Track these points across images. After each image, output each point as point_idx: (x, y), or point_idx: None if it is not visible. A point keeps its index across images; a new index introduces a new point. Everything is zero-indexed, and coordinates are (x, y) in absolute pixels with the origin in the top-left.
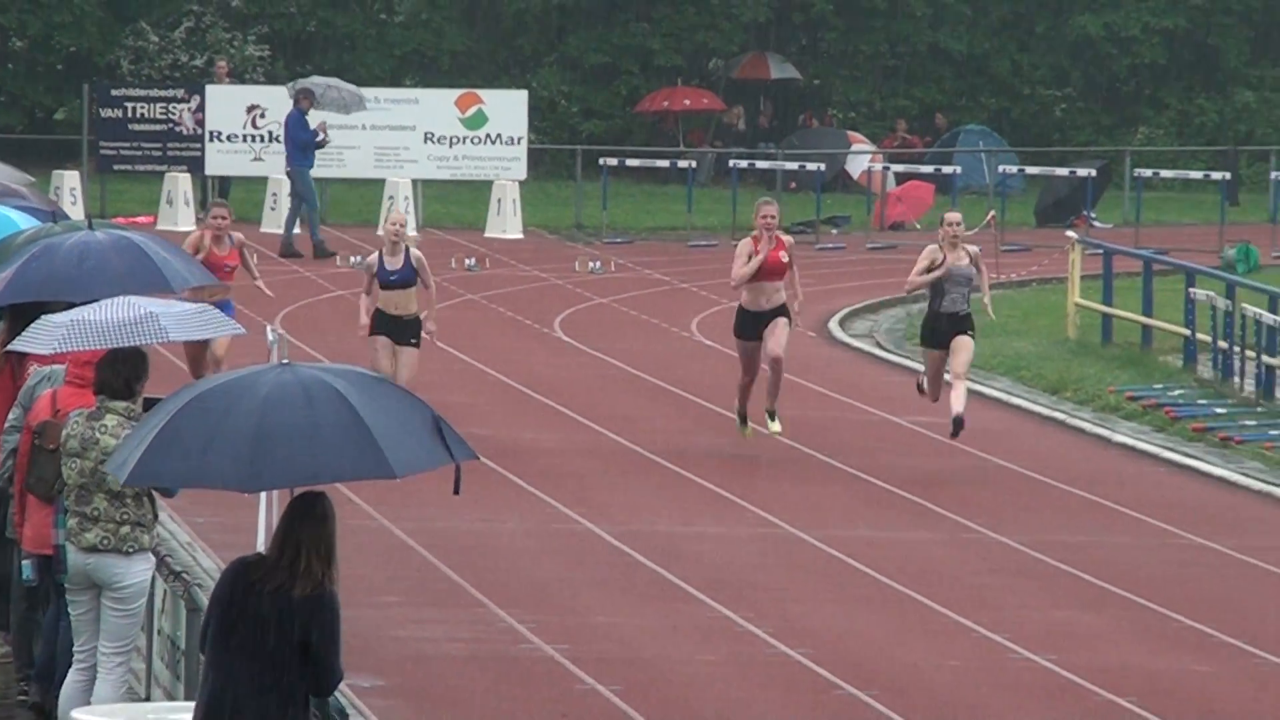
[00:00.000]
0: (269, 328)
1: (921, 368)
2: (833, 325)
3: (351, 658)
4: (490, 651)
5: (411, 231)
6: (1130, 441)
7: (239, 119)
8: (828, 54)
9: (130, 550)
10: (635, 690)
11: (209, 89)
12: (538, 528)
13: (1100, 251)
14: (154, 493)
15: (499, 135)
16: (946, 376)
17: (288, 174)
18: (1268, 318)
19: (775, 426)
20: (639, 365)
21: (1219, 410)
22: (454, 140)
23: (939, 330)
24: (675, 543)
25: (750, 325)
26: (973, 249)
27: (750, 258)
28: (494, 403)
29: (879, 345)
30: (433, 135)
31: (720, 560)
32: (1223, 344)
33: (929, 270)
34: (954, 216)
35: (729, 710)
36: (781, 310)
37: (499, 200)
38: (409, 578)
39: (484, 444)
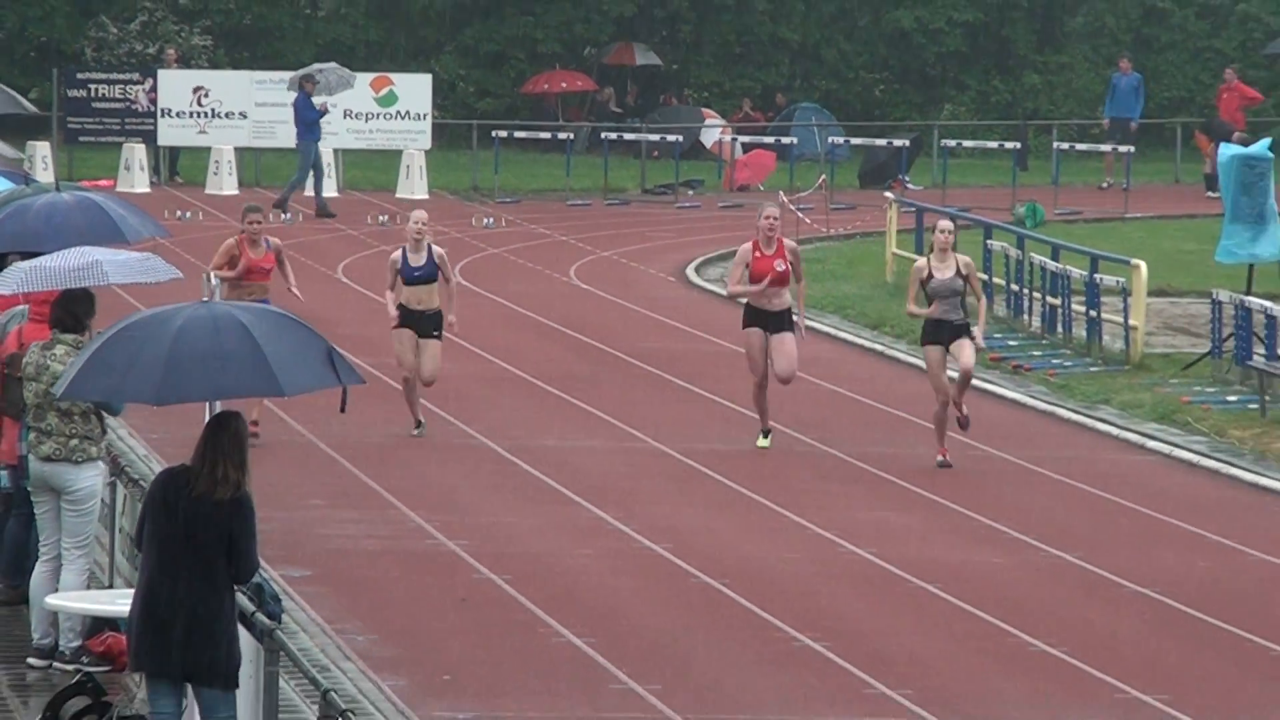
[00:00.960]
0: (211, 274)
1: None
2: (689, 271)
3: (283, 552)
4: (401, 546)
5: (333, 193)
6: None
7: (186, 98)
8: (684, 43)
9: (79, 460)
10: (523, 579)
11: (160, 73)
12: (441, 441)
13: (913, 209)
14: (101, 411)
15: (407, 112)
16: (951, 371)
17: (297, 147)
18: (1051, 265)
19: (764, 442)
20: (526, 305)
21: (1011, 342)
22: (369, 116)
23: (938, 333)
24: (557, 455)
25: (755, 318)
26: (964, 259)
27: (748, 265)
28: None
29: (728, 289)
30: (351, 111)
31: (594, 469)
32: (1014, 287)
33: (922, 287)
34: (945, 224)
35: (603, 595)
36: (787, 318)
37: (408, 166)
38: (332, 484)
39: (395, 372)
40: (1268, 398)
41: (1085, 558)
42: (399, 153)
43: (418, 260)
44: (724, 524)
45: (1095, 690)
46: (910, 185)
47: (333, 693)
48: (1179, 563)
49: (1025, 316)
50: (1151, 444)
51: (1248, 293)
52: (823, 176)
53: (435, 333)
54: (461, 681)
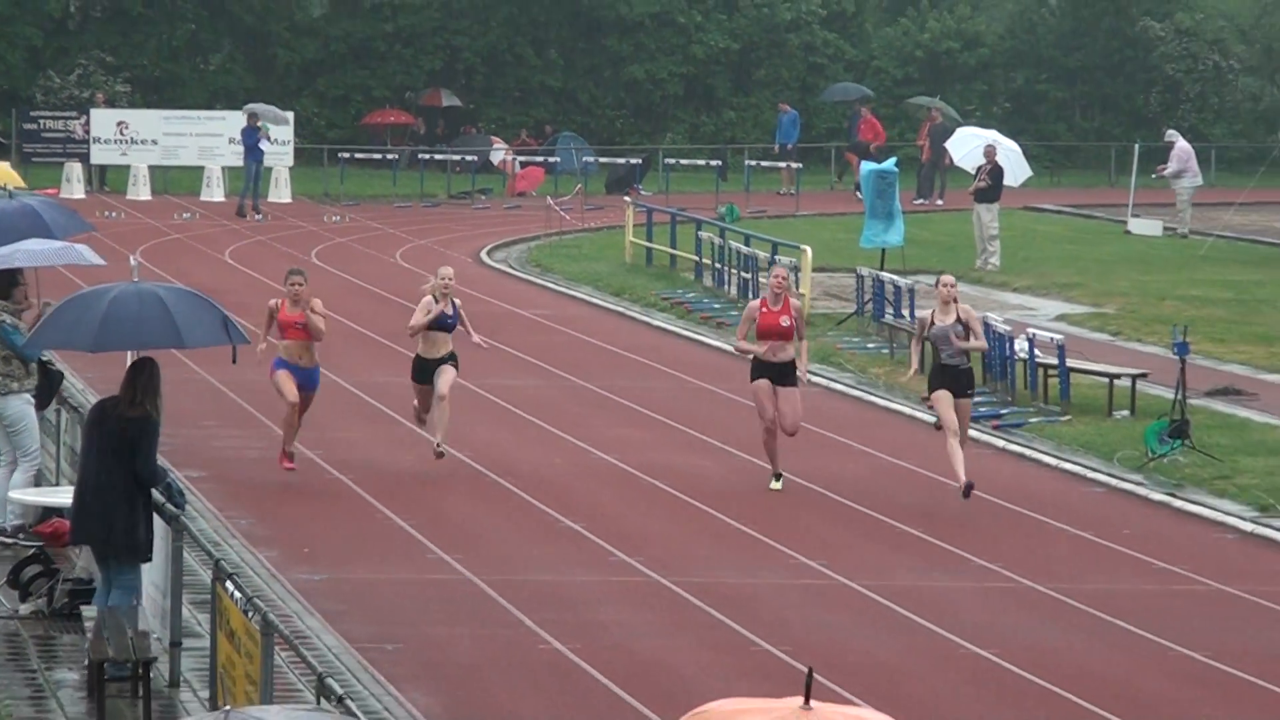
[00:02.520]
0: (131, 257)
1: (932, 417)
2: (483, 255)
3: (186, 458)
4: (272, 455)
5: (220, 199)
6: (663, 325)
7: (112, 130)
8: (478, 89)
9: (3, 392)
10: (365, 479)
11: (93, 111)
12: None
13: (645, 209)
14: (22, 358)
15: (277, 139)
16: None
17: (245, 165)
18: (744, 249)
19: (776, 485)
20: (364, 280)
21: (715, 305)
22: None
23: (943, 379)
24: (385, 388)
25: (762, 370)
26: (965, 307)
27: (754, 321)
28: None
29: (511, 267)
30: (234, 139)
31: (410, 397)
32: (718, 265)
33: (923, 334)
34: (948, 279)
35: (421, 490)
36: (791, 370)
37: (276, 178)
38: (222, 410)
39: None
40: (895, 345)
41: (769, 462)
42: (270, 169)
43: (446, 310)
44: (507, 438)
45: (772, 554)
46: (643, 191)
47: (223, 561)
48: (835, 465)
49: (725, 286)
50: (815, 379)
51: (881, 269)
52: (579, 185)
53: (450, 363)
54: (317, 553)
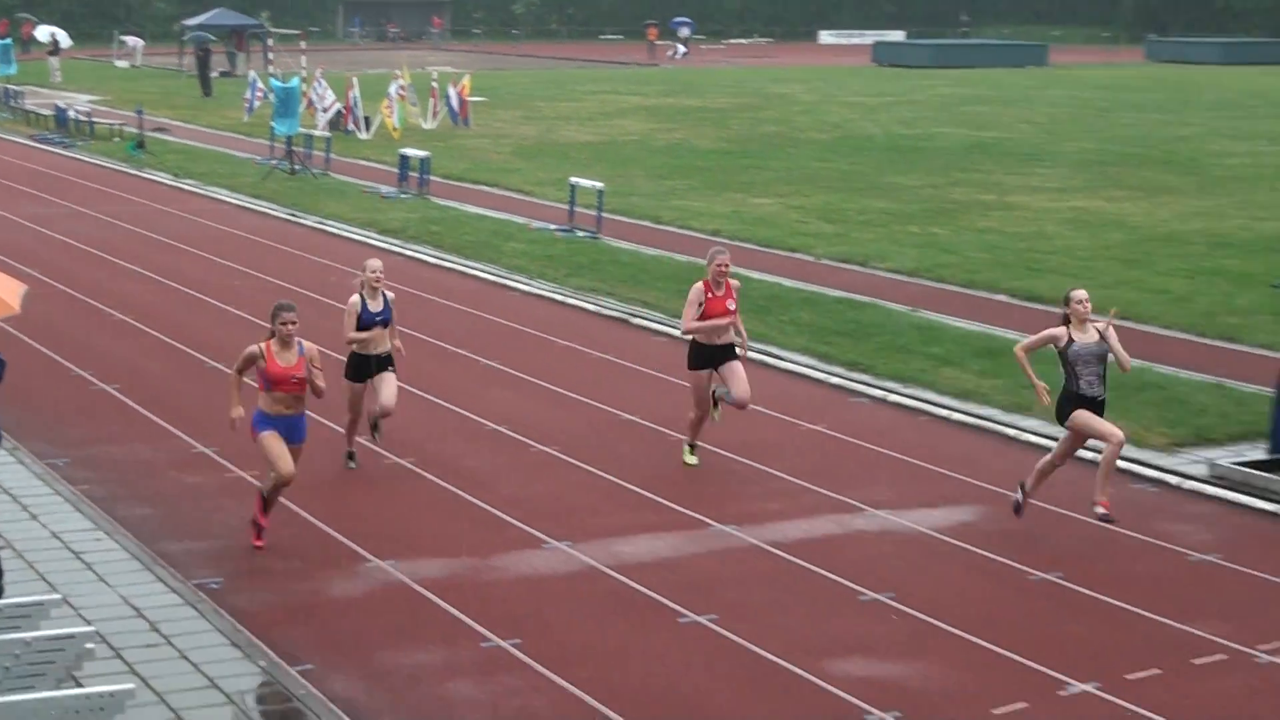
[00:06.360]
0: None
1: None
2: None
3: None
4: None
5: None
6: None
7: None
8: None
9: None
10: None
11: None
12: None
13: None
14: None
15: None
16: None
17: None
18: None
19: (692, 459)
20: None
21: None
22: None
23: (1083, 405)
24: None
25: (703, 358)
26: (1101, 325)
27: (701, 305)
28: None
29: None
30: None
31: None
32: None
33: (1060, 353)
34: (1081, 294)
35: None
36: (732, 351)
37: None
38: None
39: None
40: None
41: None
42: None
43: (375, 306)
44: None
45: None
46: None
47: None
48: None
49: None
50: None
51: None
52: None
53: (391, 367)
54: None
